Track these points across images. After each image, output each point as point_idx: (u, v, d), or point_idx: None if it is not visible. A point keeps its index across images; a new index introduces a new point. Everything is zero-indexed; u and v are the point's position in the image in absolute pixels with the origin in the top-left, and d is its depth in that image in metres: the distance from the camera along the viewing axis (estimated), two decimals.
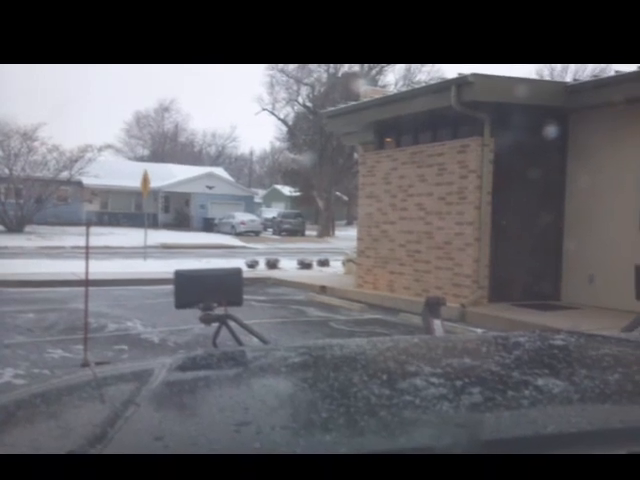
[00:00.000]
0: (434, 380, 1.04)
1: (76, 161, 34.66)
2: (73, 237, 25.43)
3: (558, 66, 45.16)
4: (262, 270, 15.88)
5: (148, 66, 78.99)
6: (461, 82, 9.61)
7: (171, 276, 2.64)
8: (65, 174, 34.60)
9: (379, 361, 1.32)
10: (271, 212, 50.60)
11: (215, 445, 0.81)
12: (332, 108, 14.44)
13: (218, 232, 40.39)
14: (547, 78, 36.19)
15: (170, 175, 46.29)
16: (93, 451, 0.80)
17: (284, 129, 47.67)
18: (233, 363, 1.36)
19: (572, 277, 10.57)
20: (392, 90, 29.31)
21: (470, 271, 10.17)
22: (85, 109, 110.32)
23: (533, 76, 29.22)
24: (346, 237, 35.26)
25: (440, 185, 10.74)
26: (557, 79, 34.73)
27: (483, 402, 0.96)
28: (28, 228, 32.82)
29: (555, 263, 10.79)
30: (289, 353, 1.36)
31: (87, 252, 6.22)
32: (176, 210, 47.06)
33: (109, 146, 47.26)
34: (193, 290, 2.54)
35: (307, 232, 43.71)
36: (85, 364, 4.21)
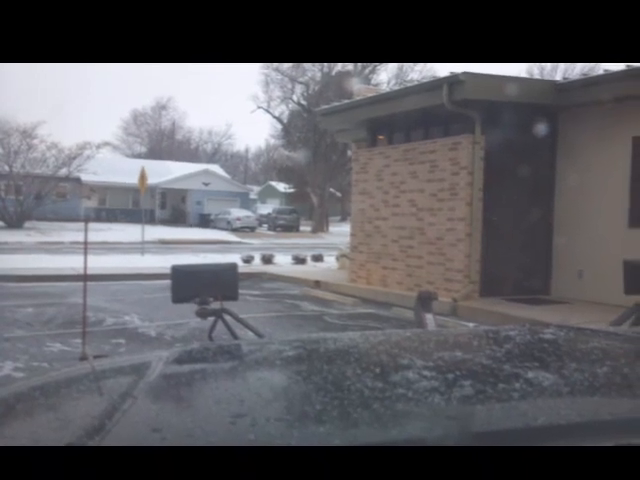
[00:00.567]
0: (426, 373, 1.04)
1: (75, 158, 34.66)
2: (72, 233, 25.35)
3: (548, 65, 45.22)
4: (257, 265, 15.94)
5: (146, 65, 78.42)
6: (453, 81, 9.67)
7: (168, 271, 2.69)
8: (64, 171, 34.61)
9: (372, 354, 1.33)
10: (266, 208, 50.68)
11: (211, 437, 0.82)
12: (326, 106, 14.51)
13: (214, 228, 40.46)
14: (537, 77, 36.16)
15: (167, 172, 46.27)
16: (91, 443, 0.81)
17: (279, 127, 47.65)
18: (229, 356, 1.37)
19: (562, 272, 10.63)
20: (385, 88, 29.45)
21: (461, 266, 10.25)
22: (84, 107, 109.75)
23: (523, 75, 29.20)
24: (340, 233, 35.35)
25: (432, 182, 10.82)
26: (547, 78, 34.72)
27: (474, 395, 0.97)
28: (28, 224, 32.81)
29: (545, 258, 10.85)
30: (284, 347, 1.36)
31: (85, 247, 6.25)
32: (173, 206, 47.06)
33: (107, 143, 47.92)
34: (190, 285, 2.59)
35: (301, 228, 43.82)
36: (83, 357, 4.19)
